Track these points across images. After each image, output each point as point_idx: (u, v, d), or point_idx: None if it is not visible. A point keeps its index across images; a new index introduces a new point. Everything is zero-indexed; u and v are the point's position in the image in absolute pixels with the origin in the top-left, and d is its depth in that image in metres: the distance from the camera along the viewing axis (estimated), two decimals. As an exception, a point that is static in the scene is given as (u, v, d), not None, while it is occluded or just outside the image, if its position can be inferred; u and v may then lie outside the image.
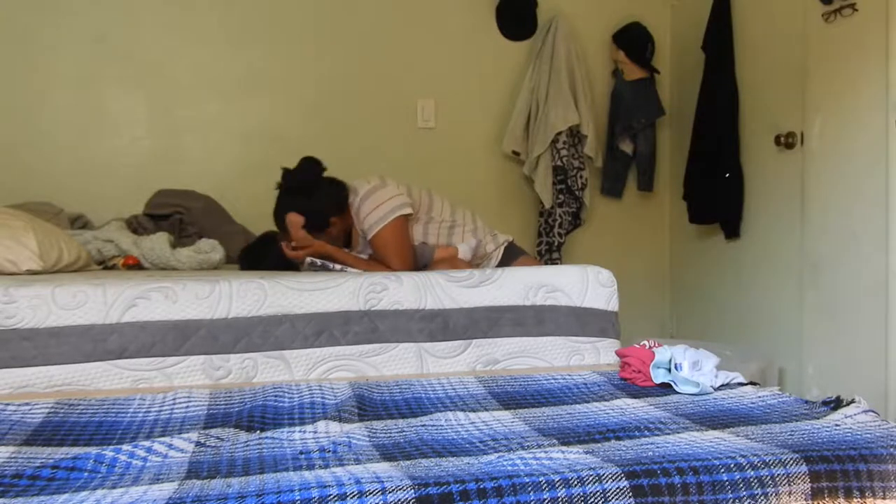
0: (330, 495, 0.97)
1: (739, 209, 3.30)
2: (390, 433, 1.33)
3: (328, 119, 3.48)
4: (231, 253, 2.79)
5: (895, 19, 2.50)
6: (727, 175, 3.28)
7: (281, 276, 1.98)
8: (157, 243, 2.69)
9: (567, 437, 1.28)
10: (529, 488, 1.02)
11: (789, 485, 1.09)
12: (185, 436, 1.28)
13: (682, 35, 3.77)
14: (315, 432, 1.31)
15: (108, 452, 1.18)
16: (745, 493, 1.07)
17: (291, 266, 2.51)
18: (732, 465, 1.09)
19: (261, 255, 2.59)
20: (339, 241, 2.56)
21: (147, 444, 1.23)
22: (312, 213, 2.49)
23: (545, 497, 1.01)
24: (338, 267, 2.50)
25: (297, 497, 0.97)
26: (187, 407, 1.53)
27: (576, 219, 3.64)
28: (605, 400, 1.57)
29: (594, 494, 1.03)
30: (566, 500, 1.02)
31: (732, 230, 3.34)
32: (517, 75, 3.67)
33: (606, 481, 1.04)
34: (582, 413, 1.46)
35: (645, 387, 1.68)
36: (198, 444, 1.26)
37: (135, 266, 2.66)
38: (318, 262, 2.49)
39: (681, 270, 3.84)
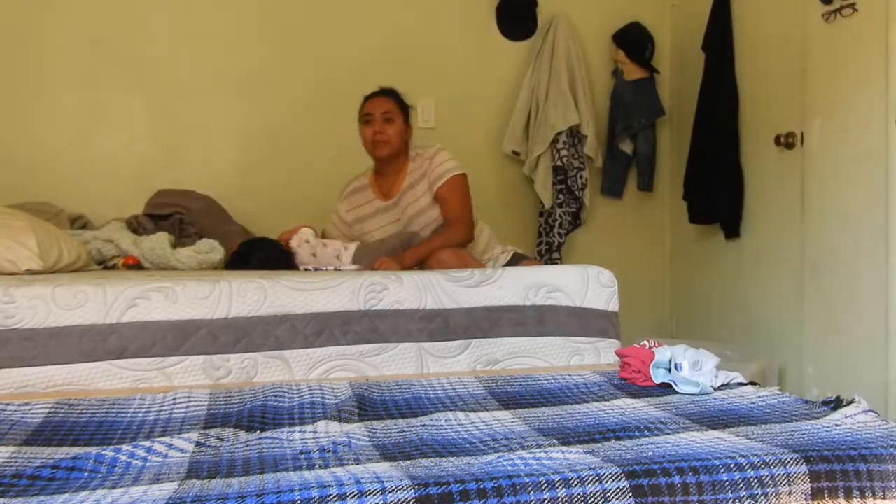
0: (330, 495, 0.97)
1: (739, 209, 3.30)
2: (390, 433, 1.33)
3: (328, 119, 3.48)
4: (228, 257, 2.78)
5: (895, 19, 2.50)
6: (722, 178, 3.28)
7: (281, 276, 1.98)
8: (157, 243, 2.69)
9: (567, 437, 1.28)
10: (529, 488, 1.02)
11: (789, 485, 1.10)
12: (185, 436, 1.28)
13: (682, 35, 3.77)
14: (315, 432, 1.31)
15: (108, 452, 1.18)
16: (745, 493, 1.07)
17: (279, 266, 2.52)
18: (732, 465, 1.09)
19: (247, 255, 2.59)
20: (404, 147, 2.80)
21: (147, 444, 1.23)
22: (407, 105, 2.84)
23: (545, 497, 1.01)
24: (331, 267, 2.51)
25: (297, 497, 0.97)
26: (187, 407, 1.53)
27: (576, 219, 3.64)
28: (605, 400, 1.57)
29: (594, 494, 1.03)
30: (566, 500, 1.02)
31: (732, 230, 3.34)
32: (517, 75, 3.66)
33: (606, 481, 1.04)
34: (582, 413, 1.47)
35: (645, 387, 1.68)
36: (198, 444, 1.26)
37: (135, 266, 2.66)
38: (311, 267, 2.51)
39: (681, 270, 3.84)
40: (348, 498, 0.97)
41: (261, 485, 1.02)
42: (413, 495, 0.98)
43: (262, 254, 2.55)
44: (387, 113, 2.74)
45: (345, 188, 2.95)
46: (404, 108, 2.79)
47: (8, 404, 1.52)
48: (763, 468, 1.10)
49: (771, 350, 3.09)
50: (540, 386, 1.73)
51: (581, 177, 3.58)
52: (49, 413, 1.48)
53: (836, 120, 2.76)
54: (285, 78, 3.44)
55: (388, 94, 2.79)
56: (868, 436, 1.23)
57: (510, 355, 1.99)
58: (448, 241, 2.58)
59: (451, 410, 1.46)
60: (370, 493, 0.98)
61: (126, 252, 2.70)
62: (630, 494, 1.04)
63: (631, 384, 1.72)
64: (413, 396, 1.63)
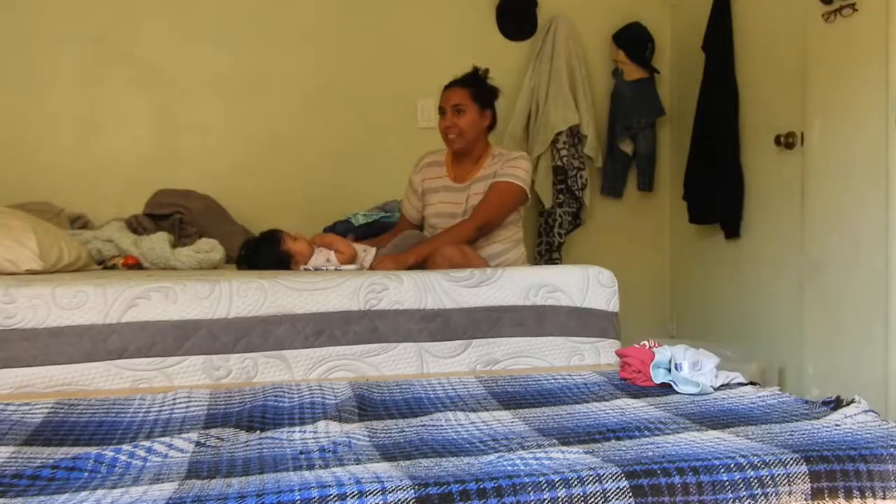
0: (330, 495, 0.97)
1: (739, 209, 3.30)
2: (390, 433, 1.33)
3: (328, 119, 3.48)
4: (231, 253, 2.78)
5: (895, 19, 2.50)
6: (726, 179, 3.28)
7: (281, 276, 1.98)
8: (157, 243, 2.69)
9: (567, 437, 1.28)
10: (529, 488, 1.02)
11: (789, 485, 1.10)
12: (185, 436, 1.28)
13: (682, 35, 3.77)
14: (315, 432, 1.31)
15: (108, 452, 1.18)
16: (745, 493, 1.07)
17: (284, 266, 2.52)
18: (732, 465, 1.09)
19: (260, 249, 2.58)
20: (482, 134, 2.79)
21: (147, 444, 1.23)
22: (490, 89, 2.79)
23: (545, 497, 1.01)
24: (331, 267, 2.50)
25: (297, 497, 0.97)
26: (187, 407, 1.53)
27: (576, 219, 3.64)
28: (605, 400, 1.57)
29: (594, 494, 1.03)
30: (566, 500, 1.02)
31: (732, 230, 3.34)
32: (517, 75, 3.66)
33: (606, 481, 1.04)
34: (582, 413, 1.47)
35: (645, 387, 1.68)
36: (198, 444, 1.26)
37: (135, 266, 2.66)
38: (312, 267, 2.51)
39: (681, 270, 3.84)
40: (348, 498, 0.97)
41: (261, 485, 1.02)
42: (413, 495, 0.98)
43: (255, 258, 2.54)
44: (458, 105, 2.70)
45: (420, 160, 2.93)
46: (481, 95, 2.73)
47: (8, 404, 1.52)
48: (763, 468, 1.10)
49: (771, 350, 3.09)
50: (540, 386, 1.73)
51: (581, 177, 3.58)
52: (49, 413, 1.48)
53: (836, 120, 2.76)
54: (285, 78, 3.44)
55: (462, 83, 2.74)
56: (868, 436, 1.23)
57: (510, 355, 1.99)
58: (452, 236, 2.56)
59: (451, 410, 1.46)
60: (370, 493, 0.98)
61: (126, 252, 2.70)
62: (630, 494, 1.04)
63: (631, 384, 1.72)
64: (413, 396, 1.63)
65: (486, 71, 2.78)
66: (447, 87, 2.76)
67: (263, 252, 2.55)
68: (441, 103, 2.76)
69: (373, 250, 2.63)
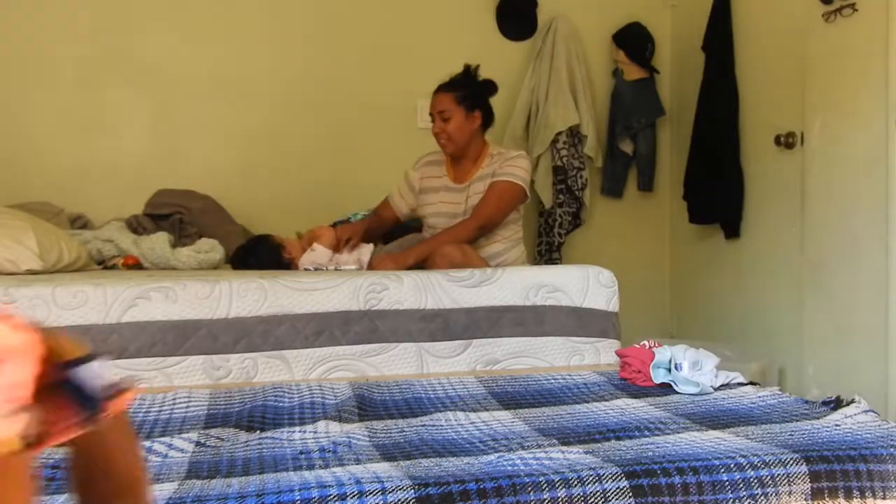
0: (330, 495, 0.97)
1: (739, 209, 3.30)
2: (390, 433, 1.33)
3: (328, 119, 3.47)
4: (231, 253, 2.79)
5: (895, 19, 2.50)
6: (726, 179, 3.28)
7: (281, 276, 1.98)
8: (157, 243, 2.69)
9: (567, 437, 1.28)
10: (529, 488, 1.02)
11: (789, 485, 1.10)
12: (185, 436, 1.28)
13: (682, 35, 3.77)
14: (315, 432, 1.31)
15: (108, 452, 1.18)
16: (745, 493, 1.07)
17: (280, 266, 2.52)
18: (732, 465, 1.09)
19: (251, 253, 2.59)
20: (476, 135, 2.77)
21: (147, 444, 1.23)
22: (479, 87, 2.77)
23: (545, 497, 1.01)
24: (331, 267, 2.50)
25: (297, 497, 0.97)
26: (187, 407, 1.53)
27: (576, 219, 3.64)
28: (605, 400, 1.57)
29: (594, 494, 1.03)
30: (566, 500, 1.02)
31: (732, 230, 3.34)
32: (517, 75, 3.66)
33: (606, 481, 1.04)
34: (582, 413, 1.47)
35: (645, 387, 1.68)
36: (198, 444, 1.26)
37: (135, 266, 2.66)
38: (312, 267, 2.51)
39: (681, 270, 3.84)
40: (348, 498, 0.97)
41: (261, 485, 1.02)
42: (413, 495, 0.98)
43: (254, 260, 2.55)
44: (443, 112, 2.71)
45: (420, 158, 2.94)
46: (467, 97, 2.72)
47: (8, 404, 1.52)
48: (763, 468, 1.10)
49: (771, 350, 3.09)
50: (540, 386, 1.73)
51: (581, 177, 3.58)
52: (49, 413, 1.48)
53: (836, 120, 2.76)
54: (285, 78, 3.44)
55: (447, 87, 2.74)
56: (868, 436, 1.23)
57: (510, 355, 1.99)
58: (453, 236, 2.55)
59: (451, 410, 1.46)
60: (370, 493, 0.98)
61: (126, 252, 2.70)
62: (630, 494, 1.04)
63: (631, 384, 1.72)
64: (413, 396, 1.63)
65: (477, 67, 2.78)
66: (434, 92, 2.78)
67: (257, 251, 2.57)
68: (430, 109, 2.78)
69: (369, 246, 2.64)
